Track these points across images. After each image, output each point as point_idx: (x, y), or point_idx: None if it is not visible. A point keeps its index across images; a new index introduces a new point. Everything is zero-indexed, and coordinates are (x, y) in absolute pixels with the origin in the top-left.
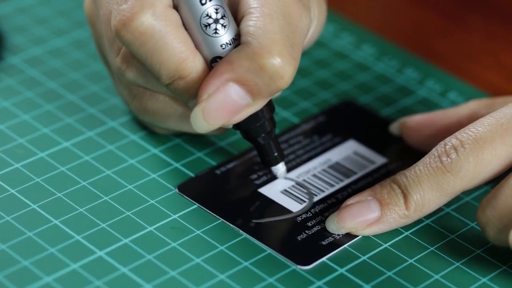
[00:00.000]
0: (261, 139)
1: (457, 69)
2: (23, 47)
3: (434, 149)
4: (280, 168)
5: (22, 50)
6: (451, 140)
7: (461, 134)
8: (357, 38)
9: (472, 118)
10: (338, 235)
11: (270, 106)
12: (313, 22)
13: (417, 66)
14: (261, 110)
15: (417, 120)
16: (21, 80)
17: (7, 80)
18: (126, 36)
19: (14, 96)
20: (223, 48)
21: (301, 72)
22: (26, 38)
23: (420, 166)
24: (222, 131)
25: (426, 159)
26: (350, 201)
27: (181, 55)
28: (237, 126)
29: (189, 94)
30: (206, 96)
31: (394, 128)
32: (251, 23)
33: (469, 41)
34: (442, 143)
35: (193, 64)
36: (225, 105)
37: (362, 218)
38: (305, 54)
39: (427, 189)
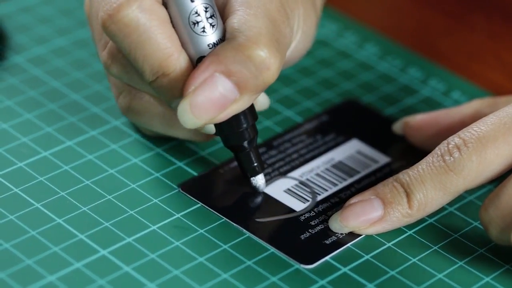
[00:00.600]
0: (242, 147)
1: (460, 69)
2: (26, 46)
3: (437, 148)
4: (259, 180)
5: (25, 49)
6: (454, 139)
7: (464, 133)
8: (360, 37)
9: (475, 117)
10: (341, 234)
11: (253, 113)
12: (297, 33)
13: (420, 66)
14: (245, 115)
15: (420, 119)
16: (25, 79)
17: (11, 79)
18: (110, 27)
19: (18, 95)
20: (209, 48)
21: (304, 71)
22: (29, 38)
23: (423, 165)
24: (206, 138)
25: (429, 158)
26: (353, 200)
27: (165, 51)
28: (219, 130)
29: (172, 93)
30: (193, 88)
31: (397, 127)
32: (235, 20)
33: (472, 40)
34: (445, 142)
35: (178, 62)
36: (212, 97)
37: (365, 217)
38: (308, 53)
39: (430, 188)
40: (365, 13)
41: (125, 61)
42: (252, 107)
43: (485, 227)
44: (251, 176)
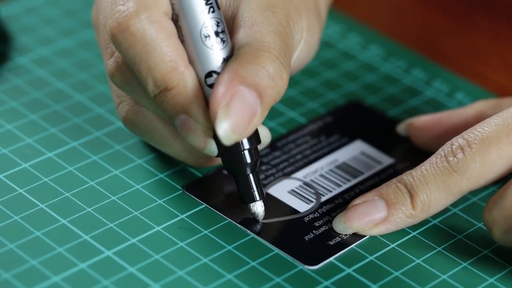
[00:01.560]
0: (243, 170)
1: (464, 70)
2: (31, 48)
3: (440, 149)
4: (258, 207)
5: (30, 51)
6: (457, 140)
7: (468, 134)
8: (364, 38)
9: (479, 119)
10: (345, 235)
11: (256, 135)
12: (300, 43)
13: (424, 67)
14: (249, 137)
15: (424, 120)
16: (29, 80)
17: (15, 80)
18: (117, 35)
19: (22, 96)
20: (220, 63)
21: (308, 73)
22: (34, 39)
23: (427, 166)
24: (205, 162)
25: (432, 159)
26: (356, 201)
27: (170, 64)
28: (222, 151)
29: (175, 109)
30: (224, 103)
31: (401, 128)
32: (243, 36)
33: (476, 41)
34: (448, 143)
35: (183, 76)
36: (244, 110)
37: (368, 218)
38: None
39: (434, 189)
40: (369, 15)
41: (129, 73)
42: (256, 129)
43: (488, 228)
44: (248, 202)
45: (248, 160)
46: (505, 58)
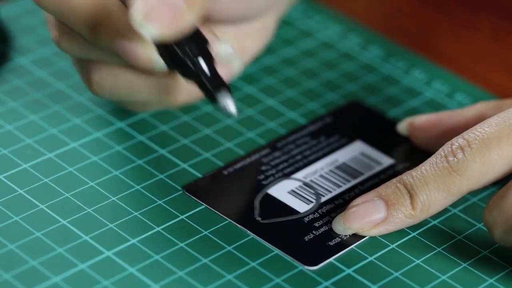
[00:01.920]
0: (195, 63)
1: (464, 71)
2: (31, 48)
3: (440, 149)
4: (226, 98)
5: (30, 51)
6: (458, 140)
7: (468, 134)
8: (364, 39)
9: (479, 120)
10: (345, 235)
11: (198, 34)
12: None
13: (424, 68)
14: (188, 38)
15: (424, 120)
16: (29, 81)
17: (15, 81)
18: None
19: (22, 97)
20: None
21: (308, 73)
22: (34, 39)
23: (427, 166)
24: (178, 95)
25: (432, 159)
26: (356, 202)
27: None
28: (171, 61)
29: (111, 39)
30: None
31: (401, 127)
32: None
33: (476, 42)
34: (449, 143)
35: (104, 6)
36: (166, 8)
37: (368, 218)
38: (312, 55)
39: (434, 189)
40: (368, 15)
41: (70, 31)
42: (197, 29)
43: (489, 229)
44: (213, 99)
45: (191, 53)
46: (505, 59)
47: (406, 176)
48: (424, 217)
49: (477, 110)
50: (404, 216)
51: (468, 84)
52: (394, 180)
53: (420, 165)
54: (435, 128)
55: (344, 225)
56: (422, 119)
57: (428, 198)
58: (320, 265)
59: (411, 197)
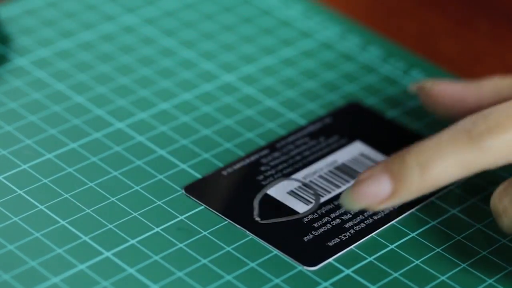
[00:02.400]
0: None
1: (463, 72)
2: (30, 49)
3: (459, 123)
4: None
5: (30, 52)
6: (478, 116)
7: (490, 111)
8: (363, 40)
9: (495, 97)
10: (345, 235)
11: None
12: None
13: (423, 68)
14: None
15: (441, 89)
16: (29, 81)
17: (15, 82)
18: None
19: (22, 98)
20: None
21: (307, 74)
22: (34, 40)
23: (442, 137)
24: None
25: (449, 131)
26: (363, 175)
27: None
28: None
29: None
30: None
31: (413, 89)
32: None
33: (475, 43)
34: (469, 117)
35: None
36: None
37: (374, 196)
38: (311, 56)
39: (450, 164)
40: (368, 16)
41: None
42: None
43: (497, 216)
44: None
45: None
46: (505, 60)
47: (417, 147)
48: (431, 190)
49: (492, 86)
50: (411, 191)
51: None
52: (402, 151)
53: (433, 136)
54: (448, 97)
55: (351, 202)
56: (439, 87)
57: (441, 172)
58: (319, 266)
59: (421, 169)
